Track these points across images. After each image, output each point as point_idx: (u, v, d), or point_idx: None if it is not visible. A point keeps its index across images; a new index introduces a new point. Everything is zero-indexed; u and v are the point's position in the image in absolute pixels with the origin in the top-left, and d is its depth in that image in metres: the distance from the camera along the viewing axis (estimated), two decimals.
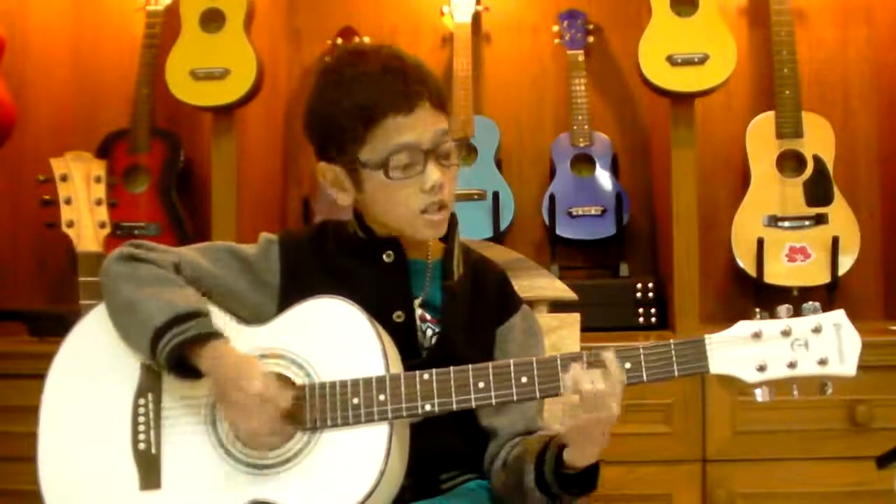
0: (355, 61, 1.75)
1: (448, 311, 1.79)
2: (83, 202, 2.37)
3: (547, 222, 3.17)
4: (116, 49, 3.37)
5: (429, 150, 1.72)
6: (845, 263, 3.01)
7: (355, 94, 1.71)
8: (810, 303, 1.61)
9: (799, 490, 2.65)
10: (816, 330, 1.59)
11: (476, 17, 3.32)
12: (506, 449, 1.78)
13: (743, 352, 1.59)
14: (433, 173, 1.71)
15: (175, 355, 1.65)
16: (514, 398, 1.64)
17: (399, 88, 1.70)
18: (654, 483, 2.64)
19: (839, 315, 1.60)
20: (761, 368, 1.59)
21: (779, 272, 3.02)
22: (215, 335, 1.67)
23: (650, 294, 3.03)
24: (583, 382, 1.57)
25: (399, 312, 1.76)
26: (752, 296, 3.10)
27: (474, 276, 1.84)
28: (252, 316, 1.75)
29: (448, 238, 1.83)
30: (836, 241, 2.99)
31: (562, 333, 2.08)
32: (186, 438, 1.68)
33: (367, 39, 3.21)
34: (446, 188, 1.74)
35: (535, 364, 1.63)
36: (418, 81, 1.72)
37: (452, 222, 1.83)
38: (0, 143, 3.12)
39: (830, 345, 1.58)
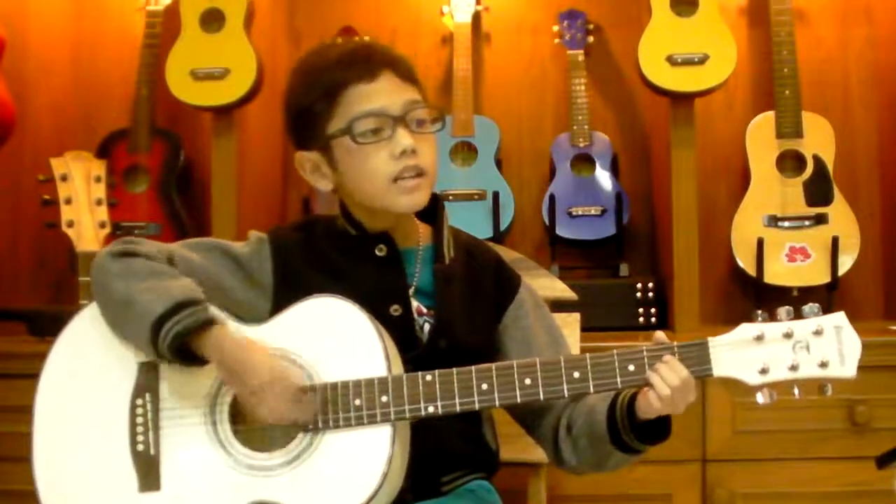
0: (321, 52, 1.80)
1: (442, 293, 1.77)
2: (83, 202, 2.37)
3: (547, 222, 3.16)
4: (116, 49, 3.37)
5: (398, 117, 1.72)
6: (845, 263, 3.01)
7: (321, 78, 1.75)
8: (810, 305, 1.61)
9: (799, 490, 2.65)
10: (817, 332, 1.59)
11: (476, 17, 3.32)
12: (564, 416, 1.77)
13: (746, 354, 1.60)
14: (404, 138, 1.71)
15: (177, 343, 1.63)
16: (518, 400, 1.63)
17: (361, 62, 1.73)
18: (654, 483, 2.64)
19: (840, 317, 1.60)
20: (763, 371, 1.59)
21: (779, 272, 3.01)
22: (216, 322, 1.65)
23: (650, 294, 3.02)
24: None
25: (396, 306, 1.75)
26: (752, 296, 3.09)
27: (467, 258, 1.83)
28: (244, 314, 1.74)
29: (436, 221, 1.82)
30: (836, 241, 2.98)
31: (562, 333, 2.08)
32: (186, 439, 1.67)
33: (366, 39, 3.20)
34: (423, 154, 1.73)
35: (538, 366, 1.63)
36: (382, 56, 1.75)
37: (440, 205, 1.83)
38: (0, 143, 3.12)
39: (831, 347, 1.59)
